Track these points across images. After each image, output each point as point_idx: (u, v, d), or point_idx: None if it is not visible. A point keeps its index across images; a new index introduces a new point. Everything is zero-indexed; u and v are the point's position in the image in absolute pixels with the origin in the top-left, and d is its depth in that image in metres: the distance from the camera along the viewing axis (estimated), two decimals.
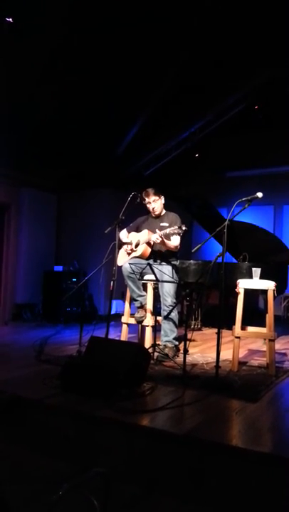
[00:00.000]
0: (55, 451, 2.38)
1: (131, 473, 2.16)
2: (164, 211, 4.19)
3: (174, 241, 3.92)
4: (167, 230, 3.73)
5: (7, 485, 1.81)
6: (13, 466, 2.14)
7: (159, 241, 3.78)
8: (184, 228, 3.67)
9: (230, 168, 8.13)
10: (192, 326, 5.66)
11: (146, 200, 4.08)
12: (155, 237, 3.76)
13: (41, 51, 4.90)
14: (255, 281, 3.71)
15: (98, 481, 1.52)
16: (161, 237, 3.75)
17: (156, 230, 3.87)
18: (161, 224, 3.94)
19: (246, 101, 6.55)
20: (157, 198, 4.08)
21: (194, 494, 2.02)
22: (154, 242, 3.98)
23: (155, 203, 4.08)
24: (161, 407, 2.55)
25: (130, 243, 4.17)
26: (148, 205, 4.11)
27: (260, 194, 3.27)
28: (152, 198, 4.06)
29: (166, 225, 3.96)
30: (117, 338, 4.32)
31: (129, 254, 4.16)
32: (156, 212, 4.14)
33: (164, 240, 3.81)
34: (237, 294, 3.65)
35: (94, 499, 1.50)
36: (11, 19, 4.35)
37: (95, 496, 1.49)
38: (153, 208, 4.09)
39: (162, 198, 4.13)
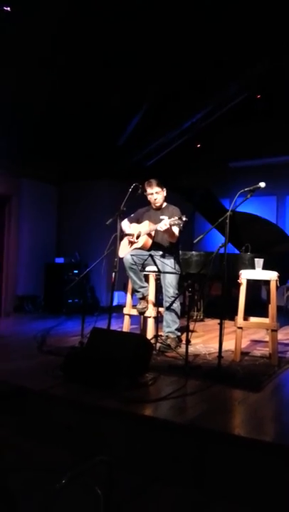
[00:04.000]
0: (59, 440, 2.40)
1: (134, 463, 2.17)
2: (165, 204, 4.16)
3: (174, 231, 3.90)
4: (168, 221, 3.70)
5: (12, 473, 1.82)
6: (17, 455, 2.15)
7: (165, 228, 3.68)
8: (184, 219, 3.64)
9: (232, 158, 8.07)
10: (194, 317, 5.66)
11: (149, 190, 4.05)
12: (163, 224, 3.68)
13: (41, 40, 4.84)
14: (258, 272, 3.70)
15: (102, 469, 1.53)
16: (170, 224, 3.66)
17: (159, 224, 3.83)
18: (162, 216, 3.91)
19: (248, 90, 6.49)
20: (160, 189, 4.05)
21: (197, 483, 2.03)
22: (156, 233, 3.97)
23: (158, 195, 4.05)
24: (163, 396, 2.56)
25: (132, 234, 4.15)
26: (150, 196, 4.08)
27: (262, 184, 3.25)
28: (155, 189, 4.03)
29: (167, 217, 3.93)
30: (119, 330, 4.32)
31: (131, 245, 4.14)
32: (158, 204, 4.11)
33: (171, 228, 3.73)
34: (239, 284, 3.64)
35: (97, 488, 1.50)
36: (8, 8, 4.30)
37: (98, 484, 1.50)
38: (155, 199, 4.06)
39: (164, 190, 4.10)
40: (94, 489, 1.47)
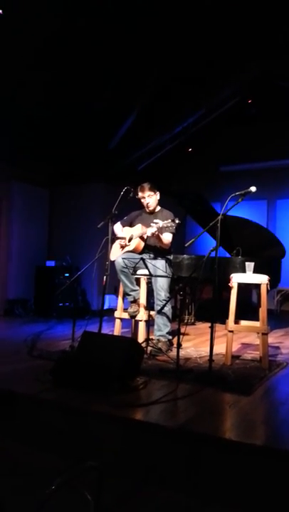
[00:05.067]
0: (49, 445, 2.37)
1: (125, 467, 2.15)
2: (158, 207, 4.17)
3: (166, 237, 3.91)
4: (161, 224, 3.71)
5: (0, 479, 1.80)
6: (6, 460, 2.12)
7: (152, 231, 3.72)
8: (177, 221, 3.65)
9: (223, 162, 8.12)
10: (185, 321, 5.66)
11: (141, 194, 4.06)
12: (150, 232, 3.72)
13: (32, 43, 4.84)
14: (249, 276, 3.71)
15: (92, 474, 1.51)
16: (158, 228, 3.70)
17: (151, 225, 3.84)
18: (155, 220, 3.91)
19: (239, 95, 6.53)
20: (152, 193, 4.06)
21: (188, 487, 2.02)
22: (148, 236, 3.97)
23: (150, 198, 4.06)
24: (154, 400, 2.55)
25: (124, 238, 4.15)
26: (142, 200, 4.09)
27: (253, 188, 3.27)
28: (147, 193, 4.04)
29: (160, 221, 3.93)
30: (110, 333, 4.31)
31: (122, 248, 4.14)
32: (151, 208, 4.12)
33: (159, 234, 3.78)
34: (230, 288, 3.65)
35: (87, 493, 1.49)
36: (0, 11, 4.29)
37: (88, 489, 1.48)
38: (148, 203, 4.07)
39: (157, 194, 4.11)
40: (84, 494, 1.45)
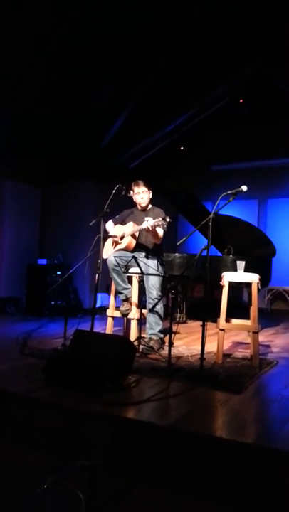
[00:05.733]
0: (41, 444, 2.37)
1: (117, 466, 2.16)
2: (150, 205, 4.18)
3: (159, 232, 3.92)
4: (152, 221, 3.71)
5: None
6: None
7: (148, 225, 3.69)
8: (168, 220, 3.66)
9: (215, 161, 8.15)
10: (177, 319, 5.68)
11: (136, 190, 4.07)
12: (146, 225, 3.70)
13: (26, 41, 4.80)
14: (240, 274, 3.74)
15: (84, 473, 1.51)
16: (154, 225, 3.68)
17: (144, 223, 3.84)
18: (146, 218, 3.92)
19: (231, 94, 6.55)
20: (146, 190, 4.08)
21: (180, 485, 2.03)
22: (140, 234, 3.98)
23: (144, 194, 4.08)
24: (146, 399, 2.56)
25: (116, 236, 4.15)
26: (136, 196, 4.09)
27: (244, 187, 3.29)
28: (142, 188, 4.06)
29: (151, 218, 3.94)
30: (102, 332, 4.31)
31: (114, 246, 4.14)
32: (143, 205, 4.13)
33: (155, 228, 3.76)
34: (222, 286, 3.67)
35: (79, 492, 1.49)
36: None
37: (80, 488, 1.49)
38: (142, 199, 4.08)
39: (150, 192, 4.13)
40: (75, 493, 1.46)
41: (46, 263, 6.58)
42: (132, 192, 4.10)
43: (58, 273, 6.45)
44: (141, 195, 4.08)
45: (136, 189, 4.08)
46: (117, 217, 4.27)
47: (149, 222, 3.69)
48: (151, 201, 4.18)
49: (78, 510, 1.48)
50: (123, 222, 4.20)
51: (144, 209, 4.15)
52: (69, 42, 4.95)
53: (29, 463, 2.14)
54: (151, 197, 4.15)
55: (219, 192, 3.37)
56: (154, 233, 3.84)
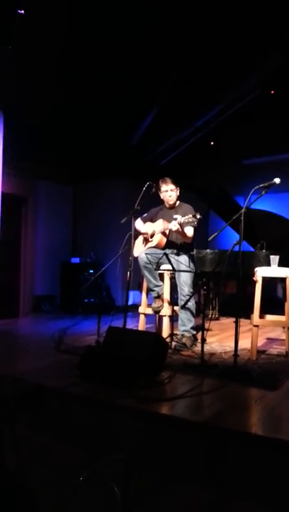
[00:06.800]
0: (77, 438, 2.42)
1: (150, 461, 2.18)
2: (178, 202, 4.17)
3: (188, 232, 3.90)
4: (182, 219, 3.70)
5: (30, 470, 1.85)
6: (36, 453, 2.18)
7: (175, 229, 3.74)
8: (198, 216, 3.64)
9: (246, 155, 8.01)
10: (209, 316, 5.64)
11: (164, 188, 4.07)
12: (173, 225, 3.73)
13: (54, 42, 4.88)
14: (274, 269, 3.67)
15: (118, 467, 1.54)
16: (179, 224, 3.71)
17: (171, 224, 3.84)
18: (175, 215, 3.91)
19: (262, 86, 6.42)
20: (174, 187, 4.08)
21: (214, 482, 2.03)
22: (170, 232, 3.97)
23: (172, 192, 4.07)
24: (180, 395, 2.56)
25: (147, 233, 4.16)
26: (164, 193, 4.09)
27: (277, 180, 3.22)
28: (170, 186, 4.05)
29: (180, 216, 3.93)
30: (134, 329, 4.34)
31: (145, 243, 4.16)
32: (171, 202, 4.12)
33: (181, 228, 3.78)
34: (255, 282, 3.61)
35: (114, 485, 1.52)
36: (22, 11, 4.35)
37: (115, 482, 1.52)
38: (170, 197, 4.08)
39: (178, 190, 4.12)
40: (111, 487, 1.48)
41: (79, 261, 6.70)
42: (160, 189, 4.10)
43: (91, 271, 6.55)
44: (169, 193, 4.07)
45: (164, 187, 4.07)
46: (145, 215, 4.28)
47: (175, 222, 3.70)
48: (179, 198, 4.17)
49: (113, 503, 1.50)
50: (152, 220, 4.22)
51: (172, 206, 4.14)
52: (96, 40, 5.00)
53: (65, 455, 2.19)
54: (179, 194, 4.13)
55: (251, 187, 3.30)
56: (182, 233, 3.84)
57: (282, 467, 1.94)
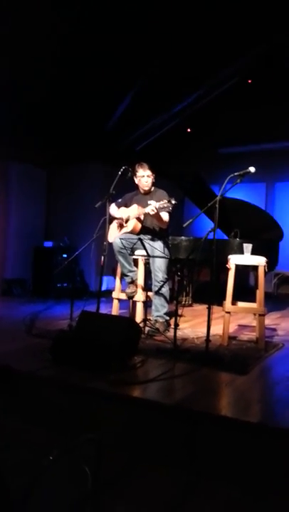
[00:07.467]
0: (48, 421, 2.41)
1: (123, 443, 2.19)
2: (153, 188, 4.15)
3: (164, 216, 3.89)
4: (157, 204, 3.68)
5: (0, 452, 1.83)
6: (6, 435, 2.16)
7: (153, 213, 3.71)
8: (173, 202, 3.63)
9: (223, 144, 8.04)
10: (183, 302, 5.69)
11: (142, 172, 4.02)
12: (150, 209, 3.70)
13: (32, 25, 4.72)
14: (247, 257, 3.72)
15: (90, 448, 1.54)
16: (156, 208, 3.69)
17: (148, 207, 3.81)
18: (150, 201, 3.88)
19: (240, 74, 6.42)
20: (151, 173, 4.04)
21: (185, 463, 2.06)
22: (145, 217, 3.96)
23: (149, 178, 4.04)
24: (152, 378, 2.58)
25: (121, 218, 4.13)
26: (141, 178, 4.05)
27: (252, 169, 3.24)
28: (147, 172, 4.02)
29: (154, 202, 3.91)
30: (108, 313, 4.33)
31: (120, 229, 4.13)
32: (146, 188, 4.09)
33: (158, 212, 3.75)
34: (228, 270, 3.66)
35: (85, 466, 1.52)
36: None
37: (86, 463, 1.51)
38: (146, 182, 4.04)
39: (154, 176, 4.09)
40: (82, 467, 1.48)
41: (52, 245, 6.60)
42: (136, 174, 4.05)
43: (64, 256, 6.46)
44: (145, 178, 4.03)
45: (140, 171, 4.03)
46: (119, 200, 4.24)
47: (152, 206, 3.67)
48: (154, 184, 4.15)
49: (84, 483, 1.50)
50: (126, 205, 4.18)
51: (147, 192, 4.11)
52: (74, 23, 4.86)
53: (37, 438, 2.18)
54: (154, 181, 4.11)
55: (227, 175, 3.32)
56: (159, 217, 3.82)
57: (250, 448, 2.00)
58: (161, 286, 3.92)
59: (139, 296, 3.98)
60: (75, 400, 2.43)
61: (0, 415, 2.37)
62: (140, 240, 3.73)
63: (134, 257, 4.01)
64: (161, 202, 3.66)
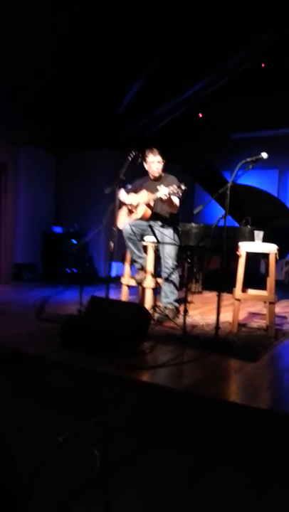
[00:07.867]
0: (58, 405, 2.43)
1: (131, 427, 2.20)
2: (163, 174, 4.10)
3: (175, 201, 3.85)
4: (166, 190, 3.64)
5: (10, 434, 1.85)
6: (16, 418, 2.18)
7: (165, 198, 3.67)
8: (183, 187, 3.59)
9: (235, 129, 7.91)
10: (192, 289, 5.67)
11: (152, 158, 3.97)
12: (162, 193, 3.66)
13: (42, 10, 4.64)
14: (257, 245, 3.68)
15: (98, 432, 1.54)
16: (169, 194, 3.64)
17: (158, 192, 3.77)
18: (159, 187, 3.83)
19: (253, 59, 6.28)
20: (161, 159, 4.00)
21: (193, 448, 2.07)
22: (155, 203, 3.92)
23: (159, 164, 4.00)
24: (161, 364, 2.58)
25: (131, 205, 4.10)
26: (151, 164, 4.01)
27: (264, 154, 3.18)
28: (158, 157, 3.97)
29: (163, 186, 3.86)
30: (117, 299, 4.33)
31: (130, 215, 4.10)
32: (157, 174, 4.05)
33: (170, 197, 3.71)
34: (238, 257, 3.62)
35: (94, 449, 1.52)
36: None
37: (95, 445, 1.52)
38: (156, 168, 4.00)
39: (164, 162, 4.04)
40: (91, 450, 1.49)
41: (62, 231, 6.60)
42: (146, 160, 4.01)
43: (74, 241, 6.47)
44: (156, 164, 3.99)
45: (151, 157, 3.98)
46: (129, 186, 4.20)
47: (162, 191, 3.63)
48: (164, 170, 4.10)
49: (93, 466, 1.51)
50: (136, 191, 4.14)
51: (158, 178, 4.06)
52: (84, 8, 4.77)
53: (47, 421, 2.20)
54: (164, 166, 4.06)
55: (238, 161, 3.25)
56: (170, 202, 3.77)
57: (258, 434, 1.99)
58: (171, 273, 3.90)
59: (149, 283, 3.97)
60: (84, 384, 2.45)
61: (10, 398, 2.39)
62: (150, 226, 3.70)
63: (143, 243, 3.99)
64: (171, 187, 3.62)
